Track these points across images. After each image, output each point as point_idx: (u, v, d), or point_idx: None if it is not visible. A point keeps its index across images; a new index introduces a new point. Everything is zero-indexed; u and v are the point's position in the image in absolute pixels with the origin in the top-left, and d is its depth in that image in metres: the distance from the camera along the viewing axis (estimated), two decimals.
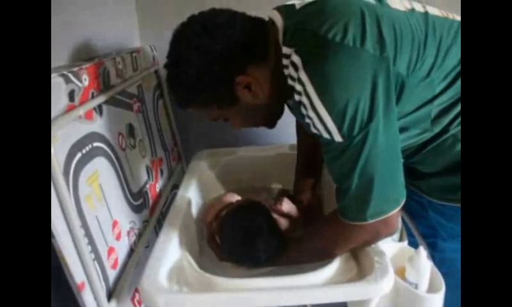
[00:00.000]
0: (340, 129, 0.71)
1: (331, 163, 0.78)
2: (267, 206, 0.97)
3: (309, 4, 0.82)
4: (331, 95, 0.71)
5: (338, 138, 0.72)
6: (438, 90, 0.78)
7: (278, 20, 0.82)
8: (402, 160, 0.76)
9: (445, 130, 0.81)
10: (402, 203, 0.76)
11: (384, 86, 0.70)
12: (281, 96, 0.85)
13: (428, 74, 0.77)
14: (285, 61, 0.78)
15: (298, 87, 0.74)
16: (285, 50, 0.78)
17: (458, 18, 0.85)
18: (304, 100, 0.73)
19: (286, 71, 0.78)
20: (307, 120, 0.76)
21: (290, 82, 0.77)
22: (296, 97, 0.76)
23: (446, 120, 0.81)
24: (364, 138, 0.70)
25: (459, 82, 0.78)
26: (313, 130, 0.76)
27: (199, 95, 0.87)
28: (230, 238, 0.94)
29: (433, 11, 0.84)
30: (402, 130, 0.80)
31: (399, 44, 0.73)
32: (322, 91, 0.71)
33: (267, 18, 0.87)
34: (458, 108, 0.79)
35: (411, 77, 0.75)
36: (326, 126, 0.72)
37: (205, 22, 0.83)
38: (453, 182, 0.87)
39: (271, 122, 0.98)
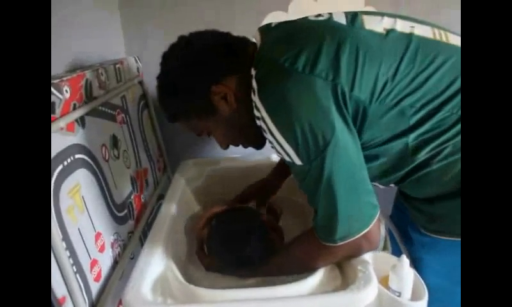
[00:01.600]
0: (297, 153, 0.72)
1: (299, 185, 0.79)
2: (259, 213, 1.01)
3: (282, 23, 0.85)
4: (280, 120, 0.72)
5: (297, 161, 0.74)
6: (412, 122, 0.74)
7: (258, 39, 0.84)
8: (368, 182, 0.76)
9: (427, 163, 0.78)
10: (373, 223, 0.75)
11: (338, 111, 0.70)
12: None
13: (398, 103, 0.73)
14: (252, 83, 0.78)
15: (256, 112, 0.76)
16: (252, 70, 0.79)
17: (459, 41, 0.79)
18: (263, 124, 0.75)
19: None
20: (270, 144, 0.78)
21: (253, 105, 0.78)
22: (257, 122, 0.78)
23: (426, 154, 0.76)
24: (322, 162, 0.71)
25: (439, 116, 0.73)
26: (277, 154, 0.77)
27: (177, 103, 0.90)
28: (219, 236, 0.97)
29: (423, 32, 0.78)
30: (376, 157, 0.80)
31: (359, 69, 0.71)
32: (273, 116, 0.72)
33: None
34: (438, 142, 0.74)
35: (375, 104, 0.73)
36: (284, 149, 0.74)
37: (190, 38, 0.87)
38: (431, 211, 0.86)
39: (256, 141, 0.96)
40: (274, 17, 1.47)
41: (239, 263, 0.94)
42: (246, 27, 1.43)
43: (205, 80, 0.84)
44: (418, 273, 0.89)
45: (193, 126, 0.94)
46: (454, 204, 0.79)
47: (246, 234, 0.95)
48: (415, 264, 0.92)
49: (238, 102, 0.85)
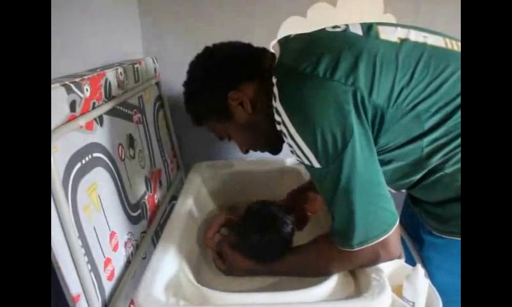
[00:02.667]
0: (316, 156, 0.74)
1: (319, 190, 0.80)
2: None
3: (300, 35, 0.89)
4: (301, 123, 0.74)
5: (316, 164, 0.75)
6: (427, 126, 0.75)
7: (277, 50, 0.88)
8: (386, 188, 0.76)
9: (440, 168, 0.79)
10: (391, 230, 0.75)
11: (357, 116, 0.72)
12: (272, 120, 0.84)
13: (413, 107, 0.74)
14: (273, 90, 0.80)
15: (277, 117, 0.79)
16: (273, 79, 0.81)
17: None
18: (283, 129, 0.78)
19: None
20: (290, 148, 0.80)
21: (274, 111, 0.80)
22: (278, 127, 0.80)
23: (440, 158, 0.78)
24: (340, 165, 0.72)
25: (452, 121, 0.74)
26: (297, 158, 0.79)
27: (199, 107, 0.97)
28: (235, 237, 1.01)
29: (436, 42, 0.81)
30: (391, 162, 0.81)
31: (377, 75, 0.73)
32: (294, 120, 0.75)
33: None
34: (451, 146, 0.76)
35: (392, 108, 0.74)
36: (304, 153, 0.75)
37: (213, 48, 0.95)
38: (441, 214, 0.87)
39: (272, 146, 1.00)
40: (293, 22, 1.47)
41: (254, 259, 0.96)
42: (264, 31, 1.45)
43: (224, 87, 0.89)
44: (432, 274, 0.89)
45: (215, 129, 1.00)
46: None
47: (262, 231, 0.97)
48: (428, 265, 0.93)
49: (255, 108, 0.89)
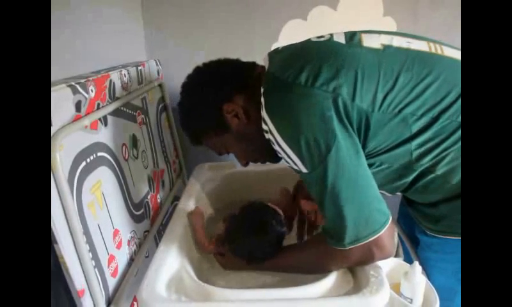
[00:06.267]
0: (302, 161, 0.76)
1: (309, 192, 0.82)
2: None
3: (288, 46, 0.91)
4: (285, 130, 0.77)
5: (303, 169, 0.77)
6: (414, 129, 0.77)
7: (266, 62, 0.90)
8: (376, 188, 0.77)
9: (431, 170, 0.80)
10: (383, 230, 0.76)
11: (339, 121, 0.74)
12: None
13: (400, 111, 0.76)
14: (261, 99, 0.82)
15: (264, 126, 0.81)
16: (262, 89, 0.83)
17: (454, 53, 0.84)
18: (271, 137, 0.80)
19: None
20: (279, 155, 0.82)
21: (261, 120, 0.82)
22: (266, 136, 0.82)
23: (430, 161, 0.79)
24: (325, 169, 0.74)
25: (438, 124, 0.76)
26: (286, 164, 0.81)
27: (196, 124, 0.99)
28: (234, 234, 1.01)
29: (420, 46, 0.83)
30: (381, 165, 0.82)
31: (359, 81, 0.75)
32: (279, 128, 0.77)
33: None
34: (440, 149, 0.77)
35: (377, 113, 0.76)
36: (291, 158, 0.78)
37: (203, 67, 0.98)
38: (434, 214, 0.88)
39: (269, 155, 0.99)
40: (294, 25, 1.49)
41: (252, 257, 0.97)
42: (265, 34, 1.46)
43: (218, 101, 0.91)
44: (427, 273, 0.90)
45: (213, 145, 1.01)
46: (457, 205, 0.82)
47: (248, 236, 0.98)
48: (423, 264, 0.94)
49: (249, 118, 0.91)
